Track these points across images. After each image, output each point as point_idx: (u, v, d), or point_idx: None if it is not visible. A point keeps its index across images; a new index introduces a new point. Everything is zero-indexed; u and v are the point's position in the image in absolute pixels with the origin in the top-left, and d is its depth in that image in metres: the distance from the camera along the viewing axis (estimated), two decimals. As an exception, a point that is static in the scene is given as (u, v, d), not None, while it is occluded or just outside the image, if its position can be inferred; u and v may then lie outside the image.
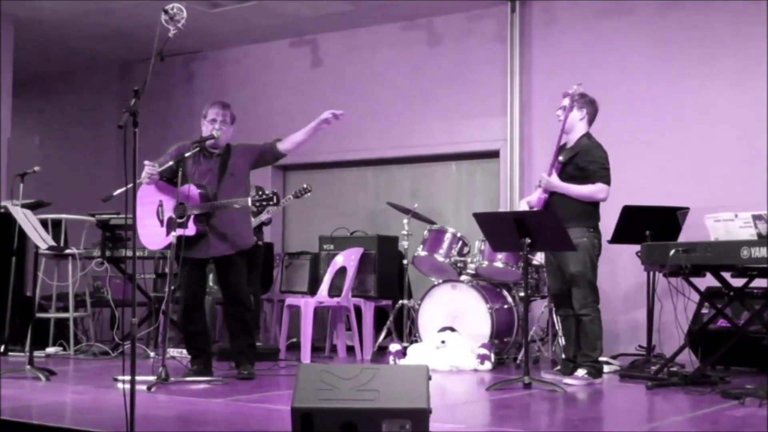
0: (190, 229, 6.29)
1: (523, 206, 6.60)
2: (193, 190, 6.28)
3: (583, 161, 6.27)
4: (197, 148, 6.40)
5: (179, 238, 6.17)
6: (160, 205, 6.45)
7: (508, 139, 9.12)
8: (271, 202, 6.22)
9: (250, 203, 6.25)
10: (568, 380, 6.15)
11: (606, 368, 6.62)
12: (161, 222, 6.41)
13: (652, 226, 7.01)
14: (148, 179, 6.28)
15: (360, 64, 10.15)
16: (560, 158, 6.30)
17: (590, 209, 6.34)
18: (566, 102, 6.44)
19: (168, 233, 6.27)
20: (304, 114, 10.33)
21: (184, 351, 7.12)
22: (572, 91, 6.41)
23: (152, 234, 6.44)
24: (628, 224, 7.13)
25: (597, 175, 6.27)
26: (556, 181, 6.27)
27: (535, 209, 6.33)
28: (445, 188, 9.83)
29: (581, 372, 6.20)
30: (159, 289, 8.99)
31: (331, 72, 10.34)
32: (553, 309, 7.23)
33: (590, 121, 6.49)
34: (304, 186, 8.18)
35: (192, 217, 6.26)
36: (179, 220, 6.25)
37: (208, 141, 6.46)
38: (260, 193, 6.34)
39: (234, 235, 6.46)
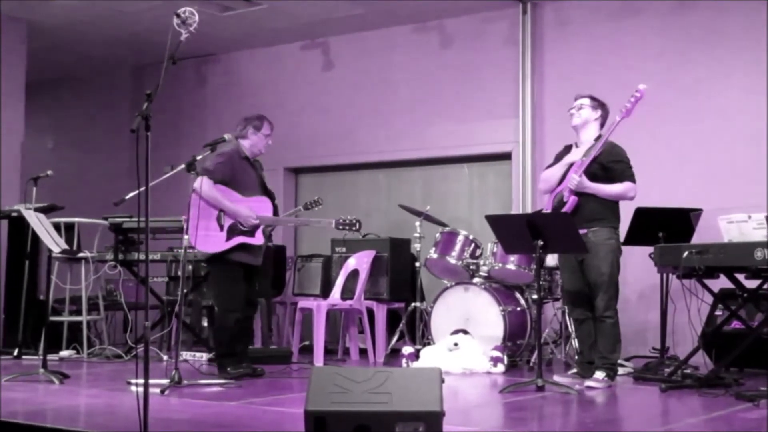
0: (258, 239, 6.60)
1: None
2: (267, 202, 6.66)
3: (607, 160, 6.24)
4: (209, 151, 6.46)
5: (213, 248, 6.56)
6: (222, 210, 6.56)
7: (520, 141, 9.11)
8: (354, 228, 6.72)
9: (334, 225, 6.68)
10: (589, 383, 6.12)
11: (620, 370, 6.60)
12: (221, 227, 6.54)
13: (665, 228, 6.99)
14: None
15: (371, 67, 10.15)
16: (582, 157, 6.27)
17: (616, 209, 6.35)
18: (585, 101, 6.42)
19: (228, 239, 6.50)
20: (315, 116, 10.44)
21: (197, 354, 7.16)
22: (585, 95, 6.44)
23: (209, 237, 6.56)
24: (641, 226, 7.12)
25: (624, 175, 6.26)
26: (587, 183, 6.23)
27: (563, 211, 6.26)
28: (457, 190, 9.82)
29: (600, 374, 6.18)
30: (171, 292, 9.01)
31: (342, 75, 10.34)
32: (567, 311, 7.21)
33: (602, 124, 6.47)
34: (315, 199, 8.21)
35: (261, 228, 6.58)
36: (244, 228, 6.53)
37: (251, 151, 6.78)
38: (342, 218, 6.73)
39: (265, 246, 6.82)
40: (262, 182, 6.80)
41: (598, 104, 6.45)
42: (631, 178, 6.29)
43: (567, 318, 7.42)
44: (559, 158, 6.56)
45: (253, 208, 6.56)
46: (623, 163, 6.28)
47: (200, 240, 6.54)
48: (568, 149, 6.55)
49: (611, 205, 6.31)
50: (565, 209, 6.22)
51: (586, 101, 6.45)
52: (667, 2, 8.49)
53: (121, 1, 9.24)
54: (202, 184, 6.47)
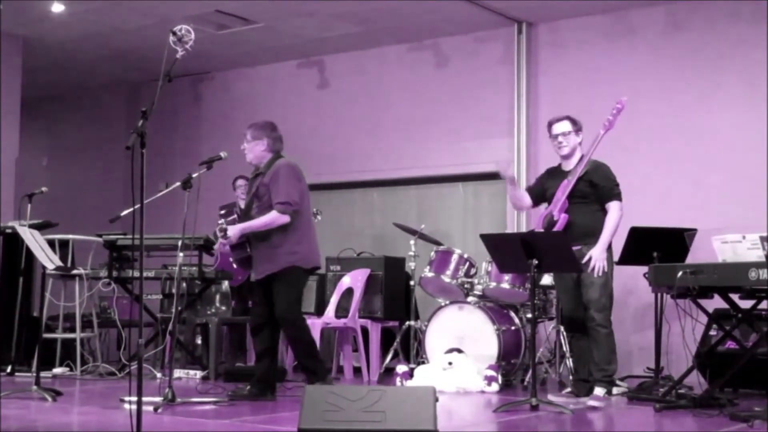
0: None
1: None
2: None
3: (596, 177, 6.23)
4: (204, 169, 6.41)
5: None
6: None
7: (515, 160, 9.12)
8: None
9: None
10: (591, 402, 6.08)
11: (614, 390, 6.58)
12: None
13: (659, 248, 6.99)
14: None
15: (367, 85, 10.17)
16: (569, 177, 6.27)
17: None
18: (566, 127, 6.41)
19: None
20: (310, 135, 10.45)
21: (191, 372, 7.11)
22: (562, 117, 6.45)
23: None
24: (636, 245, 7.12)
25: (612, 193, 6.23)
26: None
27: (554, 230, 6.25)
28: (452, 209, 9.83)
29: (600, 391, 6.14)
30: (165, 309, 8.98)
31: (338, 93, 10.37)
32: (563, 330, 7.20)
33: (581, 143, 6.47)
34: (314, 210, 8.20)
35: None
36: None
37: (264, 166, 6.49)
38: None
39: (262, 258, 6.36)
40: (248, 196, 6.53)
41: (578, 126, 6.41)
42: (618, 197, 6.25)
43: (561, 337, 7.42)
44: (540, 180, 6.59)
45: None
46: (611, 181, 6.27)
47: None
48: (550, 173, 6.55)
49: (603, 221, 6.29)
50: (556, 228, 6.23)
51: (567, 126, 6.38)
52: (661, 22, 8.54)
53: (117, 19, 9.26)
54: None
